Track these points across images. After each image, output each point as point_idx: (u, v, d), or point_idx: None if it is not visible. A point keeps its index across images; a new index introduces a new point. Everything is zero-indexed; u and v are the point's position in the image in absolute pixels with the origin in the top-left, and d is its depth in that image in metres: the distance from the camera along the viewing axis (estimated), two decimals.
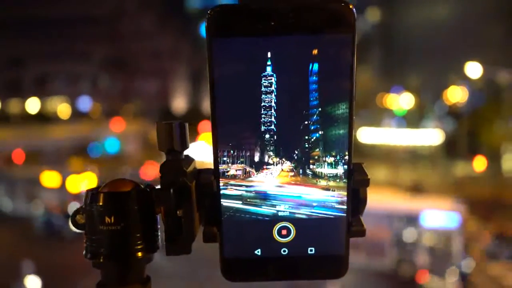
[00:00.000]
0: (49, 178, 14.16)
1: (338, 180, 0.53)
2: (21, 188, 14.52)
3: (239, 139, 0.53)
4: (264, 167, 0.54)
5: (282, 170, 0.54)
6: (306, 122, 0.52)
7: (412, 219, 9.98)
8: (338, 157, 0.53)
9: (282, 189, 0.54)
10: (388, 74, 24.32)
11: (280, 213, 0.54)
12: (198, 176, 0.54)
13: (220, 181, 0.54)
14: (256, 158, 0.54)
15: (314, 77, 0.51)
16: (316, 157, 0.53)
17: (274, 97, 0.51)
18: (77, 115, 25.82)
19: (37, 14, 25.65)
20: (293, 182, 0.54)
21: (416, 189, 13.72)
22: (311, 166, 0.53)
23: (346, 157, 0.53)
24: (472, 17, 21.43)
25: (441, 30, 22.86)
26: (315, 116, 0.52)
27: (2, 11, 25.17)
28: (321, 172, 0.53)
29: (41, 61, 26.94)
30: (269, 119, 0.52)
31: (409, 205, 10.44)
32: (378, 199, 9.88)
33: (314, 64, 0.50)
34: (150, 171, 14.69)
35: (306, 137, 0.53)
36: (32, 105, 26.81)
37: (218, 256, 0.55)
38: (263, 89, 0.51)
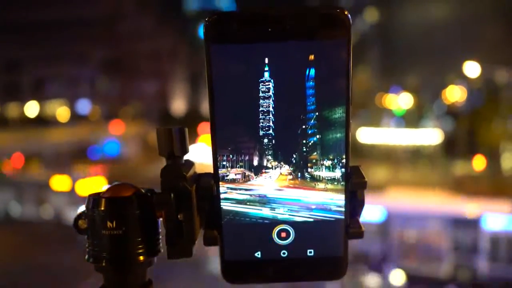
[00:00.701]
0: (59, 182, 14.16)
1: (336, 183, 0.54)
2: (29, 192, 14.45)
3: (238, 143, 0.54)
4: (263, 171, 0.55)
5: (280, 173, 0.55)
6: (303, 127, 0.53)
7: (470, 222, 9.44)
8: (335, 160, 0.54)
9: (281, 192, 0.55)
10: (387, 74, 24.33)
11: (279, 216, 0.55)
12: (198, 180, 0.55)
13: (220, 185, 0.55)
14: (255, 162, 0.55)
15: (311, 82, 0.52)
16: (314, 161, 0.54)
17: (272, 102, 0.52)
18: (76, 118, 25.81)
19: (35, 17, 25.65)
20: (291, 186, 0.55)
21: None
22: (309, 170, 0.54)
23: (344, 160, 0.54)
24: (470, 17, 21.46)
25: (439, 30, 22.89)
26: (312, 120, 0.53)
27: (0, 14, 25.18)
28: (319, 175, 0.54)
29: (40, 64, 26.93)
30: (267, 124, 0.53)
31: (465, 207, 9.88)
32: (425, 202, 9.61)
33: (311, 69, 0.51)
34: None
35: (304, 141, 0.53)
36: (31, 108, 26.80)
37: (219, 258, 0.56)
38: (261, 94, 0.52)
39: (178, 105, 29.11)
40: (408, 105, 21.91)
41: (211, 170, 0.55)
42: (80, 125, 22.82)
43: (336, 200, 0.54)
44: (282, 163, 0.54)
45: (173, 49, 28.03)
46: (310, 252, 0.56)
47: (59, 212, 13.16)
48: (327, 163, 0.54)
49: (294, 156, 0.54)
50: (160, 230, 0.56)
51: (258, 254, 0.56)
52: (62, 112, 27.06)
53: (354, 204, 0.55)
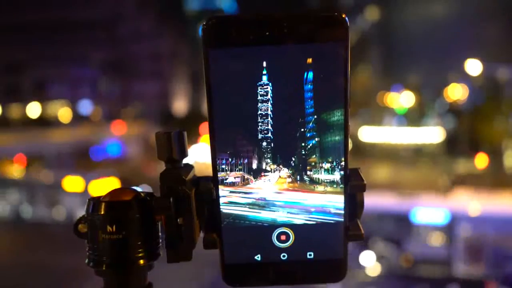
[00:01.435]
0: (72, 183, 14.16)
1: (335, 186, 0.54)
2: (41, 193, 14.41)
3: (237, 147, 0.54)
4: (262, 174, 0.55)
5: (280, 176, 0.55)
6: (302, 130, 0.53)
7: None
8: (334, 163, 0.54)
9: (280, 195, 0.55)
10: (388, 72, 24.32)
11: (278, 219, 0.55)
12: (198, 184, 0.55)
13: (219, 189, 0.55)
14: (254, 165, 0.55)
15: (309, 85, 0.52)
16: (313, 164, 0.54)
17: (271, 106, 0.53)
18: (78, 119, 25.84)
19: (36, 19, 25.68)
20: (291, 188, 0.55)
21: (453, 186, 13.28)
22: (308, 172, 0.54)
23: (342, 163, 0.54)
24: (471, 15, 21.42)
25: (440, 28, 22.86)
26: (311, 123, 0.53)
27: (1, 16, 25.22)
28: (318, 178, 0.54)
29: (42, 65, 26.97)
30: (266, 127, 0.53)
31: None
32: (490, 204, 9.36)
33: (309, 73, 0.51)
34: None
35: (303, 144, 0.54)
36: (33, 109, 26.85)
37: (219, 262, 0.56)
38: (259, 97, 0.52)
39: (180, 105, 29.12)
40: (410, 104, 21.90)
41: (210, 174, 0.55)
42: (82, 126, 22.86)
43: (335, 202, 0.54)
44: (281, 166, 0.54)
45: (173, 49, 28.05)
46: (310, 255, 0.56)
47: (72, 214, 13.16)
48: (326, 165, 0.54)
49: (293, 159, 0.54)
50: (160, 234, 0.56)
51: (258, 257, 0.56)
52: (64, 113, 27.10)
53: (353, 206, 0.55)
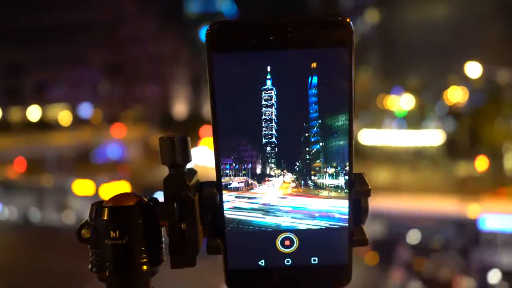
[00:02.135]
0: (82, 187, 14.11)
1: (339, 191, 0.54)
2: (50, 197, 14.31)
3: (241, 151, 0.54)
4: (266, 179, 0.55)
5: (284, 181, 0.55)
6: (306, 134, 0.53)
7: None
8: (339, 168, 0.54)
9: (284, 200, 0.55)
10: (388, 75, 24.33)
11: (283, 224, 0.55)
12: (201, 189, 0.55)
13: (223, 194, 0.54)
14: (258, 170, 0.54)
15: (314, 90, 0.51)
16: (317, 168, 0.54)
17: (275, 110, 0.52)
18: (78, 122, 25.84)
19: (37, 21, 25.71)
20: (295, 193, 0.55)
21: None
22: (312, 177, 0.54)
23: (347, 168, 0.53)
24: (471, 17, 21.46)
25: (440, 31, 22.89)
26: (315, 128, 0.52)
27: (2, 19, 25.25)
28: (323, 183, 0.54)
29: (42, 68, 26.99)
30: (270, 132, 0.53)
31: None
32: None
33: (313, 77, 0.51)
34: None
35: (307, 149, 0.53)
36: (33, 112, 26.85)
37: (222, 267, 0.56)
38: (263, 102, 0.52)
39: (180, 108, 29.13)
40: (410, 106, 21.89)
41: (213, 173, 0.55)
42: (82, 129, 22.86)
43: (340, 207, 0.54)
44: (285, 171, 0.54)
45: (174, 52, 28.07)
46: (314, 260, 0.56)
47: (82, 217, 13.10)
48: (331, 170, 0.54)
49: (297, 164, 0.54)
50: (163, 239, 0.56)
51: (261, 262, 0.56)
52: (64, 116, 27.11)
53: (358, 211, 0.55)
